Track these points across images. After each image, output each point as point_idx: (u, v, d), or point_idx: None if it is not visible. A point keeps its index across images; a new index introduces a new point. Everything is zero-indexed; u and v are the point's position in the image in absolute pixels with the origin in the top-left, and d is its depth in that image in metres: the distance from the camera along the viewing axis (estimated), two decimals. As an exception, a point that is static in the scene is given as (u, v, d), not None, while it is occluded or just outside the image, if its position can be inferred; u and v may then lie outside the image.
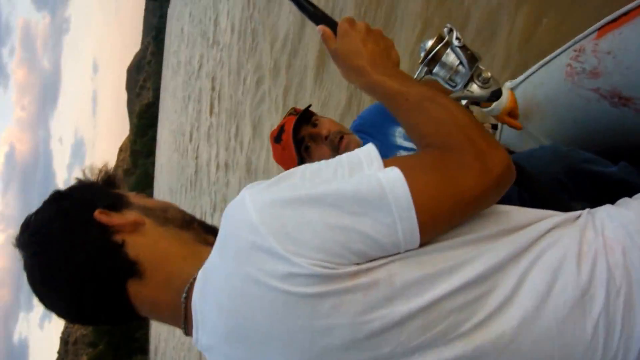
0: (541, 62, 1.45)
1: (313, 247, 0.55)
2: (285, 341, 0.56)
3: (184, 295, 0.67)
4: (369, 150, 0.63)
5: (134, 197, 0.78)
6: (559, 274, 0.60)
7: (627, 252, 0.62)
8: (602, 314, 0.59)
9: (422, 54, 0.84)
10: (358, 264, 0.56)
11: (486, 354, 0.57)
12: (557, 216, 0.68)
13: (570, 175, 1.25)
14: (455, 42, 0.83)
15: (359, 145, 1.39)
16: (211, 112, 13.82)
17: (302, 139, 1.42)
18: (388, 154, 1.44)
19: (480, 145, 0.62)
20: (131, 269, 0.69)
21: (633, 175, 1.25)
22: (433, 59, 0.83)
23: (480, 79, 0.84)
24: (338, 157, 0.64)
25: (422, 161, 0.63)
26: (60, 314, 0.72)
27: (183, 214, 0.78)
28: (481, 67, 0.84)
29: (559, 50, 1.40)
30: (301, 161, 1.44)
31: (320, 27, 0.79)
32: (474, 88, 0.84)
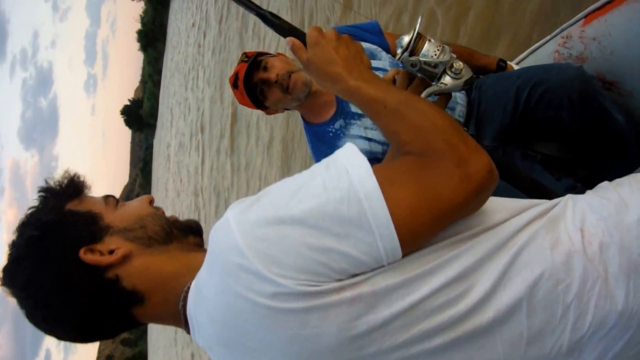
0: (529, 50, 1.50)
1: (296, 268, 0.56)
2: (277, 349, 0.59)
3: (180, 304, 0.70)
4: (352, 150, 0.63)
5: (106, 213, 0.76)
6: (535, 267, 0.62)
7: (604, 247, 0.64)
8: (575, 301, 0.62)
9: (399, 50, 0.85)
10: (341, 279, 0.58)
11: (464, 341, 0.61)
12: (535, 207, 0.69)
13: (582, 99, 1.28)
14: (429, 37, 0.88)
15: (305, 83, 1.43)
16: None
17: (256, 85, 1.47)
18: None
19: (460, 150, 0.60)
20: (131, 299, 0.71)
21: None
22: (411, 54, 0.88)
23: (452, 70, 0.86)
24: (325, 165, 0.62)
25: (400, 170, 0.62)
26: (69, 340, 0.76)
27: (161, 224, 0.77)
28: (453, 56, 0.86)
29: (547, 37, 1.45)
30: (258, 105, 1.51)
31: (289, 38, 0.79)
32: (447, 80, 0.86)
